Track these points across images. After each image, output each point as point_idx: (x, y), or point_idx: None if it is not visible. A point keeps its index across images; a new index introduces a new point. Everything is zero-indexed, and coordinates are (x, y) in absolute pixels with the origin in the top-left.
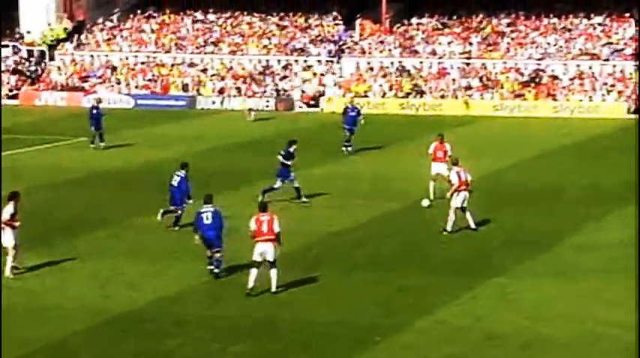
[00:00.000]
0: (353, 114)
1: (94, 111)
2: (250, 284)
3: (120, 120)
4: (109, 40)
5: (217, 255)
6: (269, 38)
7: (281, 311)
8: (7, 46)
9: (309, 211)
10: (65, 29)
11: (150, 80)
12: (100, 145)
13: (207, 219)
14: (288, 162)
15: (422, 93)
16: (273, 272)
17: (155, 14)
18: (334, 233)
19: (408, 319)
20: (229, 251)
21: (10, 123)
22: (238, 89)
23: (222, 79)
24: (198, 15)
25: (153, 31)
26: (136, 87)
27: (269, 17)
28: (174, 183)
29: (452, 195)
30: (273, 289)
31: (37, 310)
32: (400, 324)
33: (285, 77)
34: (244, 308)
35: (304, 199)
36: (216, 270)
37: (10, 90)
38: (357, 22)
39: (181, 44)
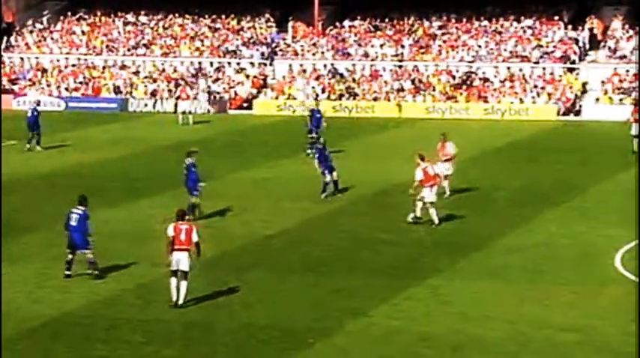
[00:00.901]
0: (318, 116)
1: (35, 113)
2: (174, 297)
3: (51, 123)
4: (39, 42)
5: (89, 256)
6: (201, 40)
7: (215, 314)
8: None
9: (244, 213)
10: None
11: (81, 82)
12: (35, 147)
13: (73, 220)
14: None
15: (355, 95)
16: (184, 285)
17: (86, 16)
18: (269, 235)
19: (341, 321)
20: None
21: None
22: (170, 91)
23: (155, 81)
24: (130, 17)
25: (84, 33)
26: (67, 89)
27: (201, 19)
28: (185, 172)
29: (415, 190)
30: (181, 301)
31: None
32: (334, 327)
33: (217, 79)
34: (177, 311)
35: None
36: (95, 272)
37: None
38: (290, 24)
39: (113, 46)
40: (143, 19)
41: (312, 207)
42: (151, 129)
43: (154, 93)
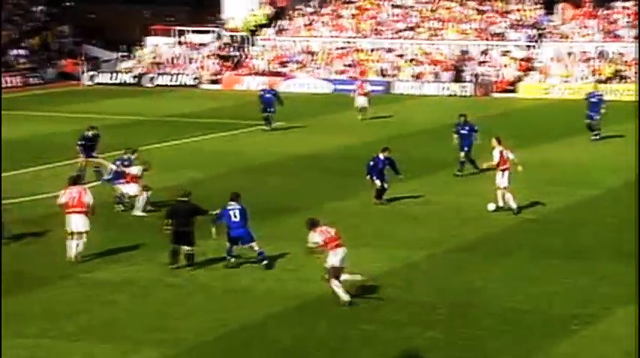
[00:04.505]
0: (594, 100)
1: (268, 95)
2: (346, 297)
3: (319, 105)
4: (308, 25)
5: (255, 248)
6: (468, 23)
7: (476, 297)
8: (210, 31)
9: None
10: (266, 15)
11: (348, 65)
12: (267, 128)
13: (234, 216)
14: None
15: (624, 78)
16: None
17: (354, 0)
18: (530, 219)
19: (607, 308)
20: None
21: (209, 108)
22: (436, 75)
23: (420, 64)
24: (397, 0)
25: (352, 17)
26: (335, 72)
27: (468, 2)
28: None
29: (499, 173)
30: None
31: (233, 292)
32: (599, 314)
33: (483, 62)
34: (439, 292)
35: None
36: (265, 262)
37: (213, 75)
38: (559, 6)
39: (380, 29)
40: (410, 2)
41: (573, 192)
42: (415, 111)
43: (418, 76)
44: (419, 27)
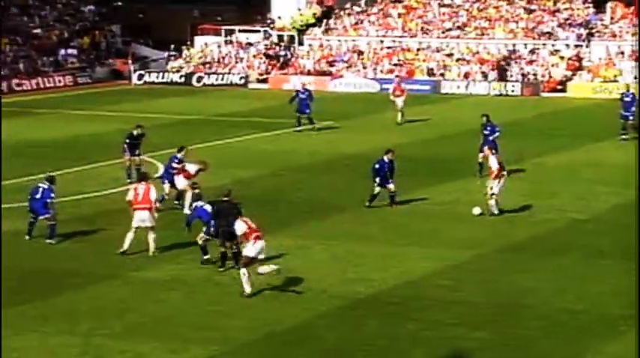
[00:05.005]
0: (628, 99)
1: (303, 96)
2: (248, 289)
3: (366, 105)
4: (355, 24)
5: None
6: (516, 22)
7: (524, 298)
8: (258, 31)
9: (554, 198)
10: (314, 14)
11: (395, 64)
12: (307, 127)
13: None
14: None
15: None
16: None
17: None
18: (580, 220)
19: None
20: (477, 236)
21: (257, 108)
22: (484, 74)
23: (468, 63)
24: None
25: (399, 16)
26: (382, 71)
27: (517, 1)
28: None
29: (496, 180)
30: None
31: (280, 291)
32: None
33: (532, 62)
34: (487, 293)
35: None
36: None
37: (261, 75)
38: (608, 5)
39: (427, 28)
40: (458, 1)
41: (624, 192)
42: (462, 111)
43: (466, 76)
44: (467, 26)
